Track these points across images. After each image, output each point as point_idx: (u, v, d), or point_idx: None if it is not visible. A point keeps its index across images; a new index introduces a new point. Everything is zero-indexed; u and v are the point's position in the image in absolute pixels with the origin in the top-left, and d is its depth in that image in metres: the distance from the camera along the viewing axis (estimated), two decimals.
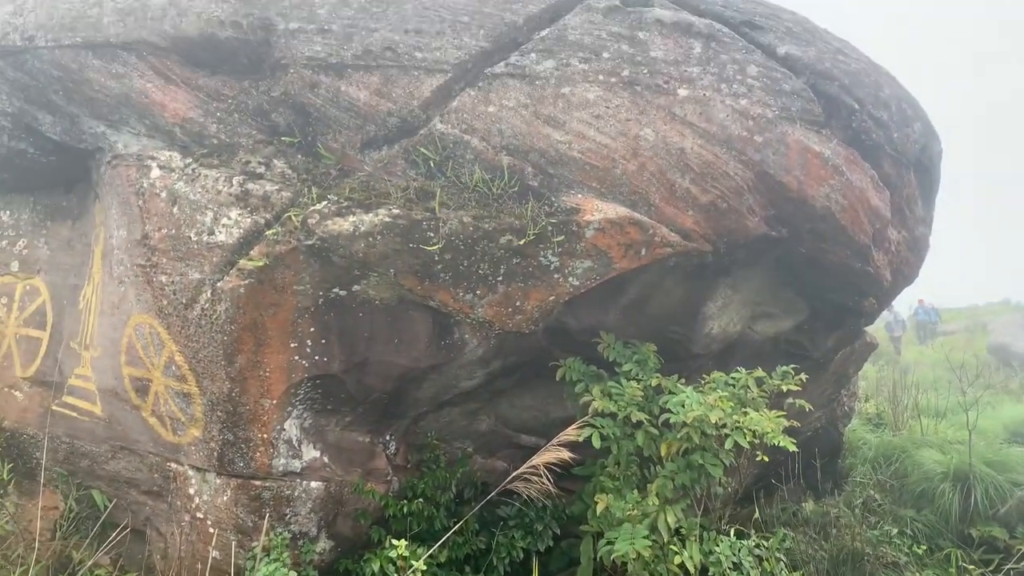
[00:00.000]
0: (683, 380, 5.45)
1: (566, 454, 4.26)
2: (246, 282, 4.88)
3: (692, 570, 4.53)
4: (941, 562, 7.31)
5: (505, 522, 7.06)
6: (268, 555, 5.27)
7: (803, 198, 5.08)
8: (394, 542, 4.67)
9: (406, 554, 4.46)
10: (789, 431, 8.62)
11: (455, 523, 6.74)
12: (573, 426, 4.43)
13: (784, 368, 5.29)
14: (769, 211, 5.18)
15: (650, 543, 4.53)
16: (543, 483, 4.20)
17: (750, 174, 5.00)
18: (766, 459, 4.69)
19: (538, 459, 4.23)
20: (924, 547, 7.29)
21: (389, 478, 6.50)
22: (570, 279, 5.15)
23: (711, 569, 4.59)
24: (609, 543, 4.75)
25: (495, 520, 7.20)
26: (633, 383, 5.22)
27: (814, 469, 9.34)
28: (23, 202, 6.82)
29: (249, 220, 4.91)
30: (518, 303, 5.25)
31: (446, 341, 5.62)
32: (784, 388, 4.97)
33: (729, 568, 4.56)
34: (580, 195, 5.00)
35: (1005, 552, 7.21)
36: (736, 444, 4.52)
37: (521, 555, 6.78)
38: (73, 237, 6.62)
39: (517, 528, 6.92)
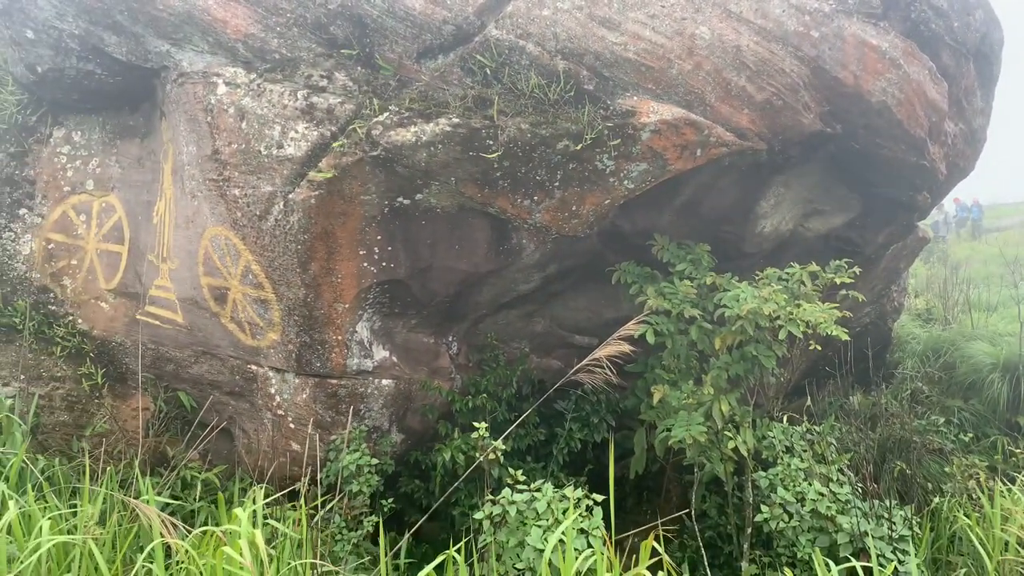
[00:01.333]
0: (736, 278, 5.62)
1: (627, 347, 4.50)
2: (316, 193, 5.13)
3: (745, 453, 4.82)
4: (987, 449, 7.54)
5: (563, 416, 7.46)
6: (349, 446, 5.71)
7: (859, 93, 5.08)
8: (474, 424, 5.03)
9: (486, 435, 4.81)
10: (842, 322, 8.83)
11: (516, 417, 7.16)
12: (632, 322, 4.67)
13: (837, 262, 5.41)
14: (824, 107, 5.20)
15: (705, 429, 4.82)
16: (606, 374, 4.47)
17: (806, 70, 5.01)
18: (819, 348, 4.88)
19: (600, 352, 4.50)
20: (971, 435, 7.51)
21: (452, 376, 6.89)
22: (625, 182, 5.28)
23: (764, 453, 4.88)
24: (667, 430, 5.06)
25: (554, 415, 7.60)
26: (687, 282, 5.41)
27: (864, 363, 9.53)
28: (93, 122, 7.08)
29: (316, 133, 5.10)
30: (574, 207, 5.42)
31: (504, 246, 5.85)
32: (837, 281, 5.11)
33: (782, 451, 4.85)
34: (636, 97, 5.07)
35: None
36: (789, 335, 4.71)
37: (579, 446, 7.20)
38: (142, 155, 6.90)
39: (575, 421, 7.32)
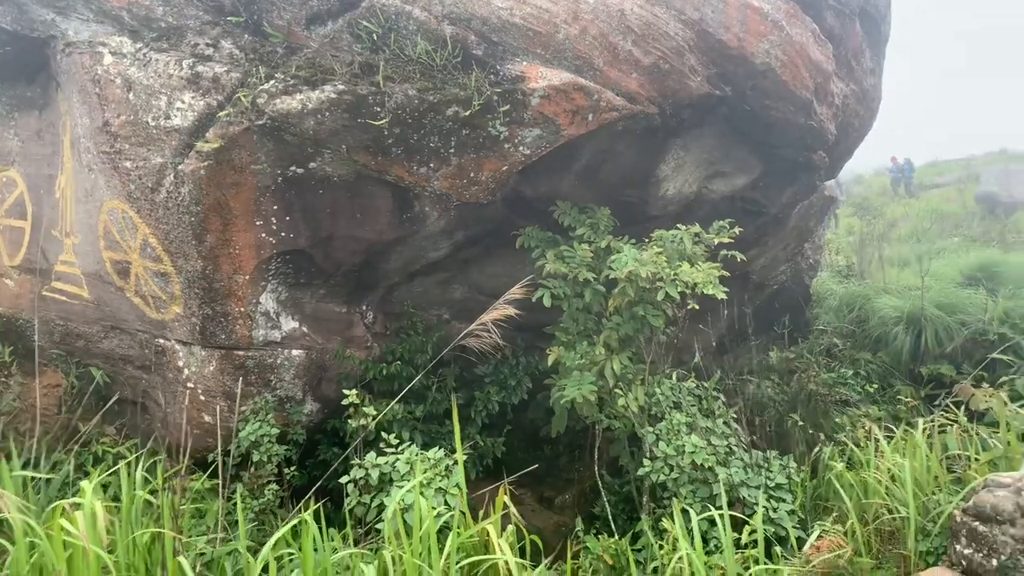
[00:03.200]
0: (633, 241, 5.70)
1: (512, 311, 4.58)
2: (205, 164, 5.06)
3: (636, 410, 4.96)
4: (892, 398, 7.83)
5: (481, 379, 7.56)
6: (255, 416, 5.71)
7: (743, 55, 5.15)
8: (357, 401, 5.05)
9: (356, 400, 4.86)
10: (758, 281, 8.98)
11: (434, 383, 7.23)
12: (517, 286, 4.73)
13: (719, 223, 5.52)
14: (711, 70, 5.27)
15: (596, 388, 4.94)
16: (493, 338, 4.53)
17: (690, 33, 5.05)
18: (696, 307, 5.01)
19: (487, 316, 4.56)
20: (876, 385, 7.79)
21: (369, 344, 6.91)
22: (520, 148, 5.30)
23: (653, 409, 5.02)
24: (560, 390, 5.17)
25: (476, 379, 7.71)
26: (584, 246, 5.48)
27: (782, 320, 9.79)
28: None
29: (202, 103, 5.03)
30: (472, 174, 5.43)
31: (407, 215, 5.85)
32: (716, 240, 5.22)
33: (670, 407, 4.99)
34: (525, 63, 5.08)
35: (950, 387, 7.70)
36: (681, 295, 4.82)
37: (496, 408, 7.31)
38: (42, 128, 6.72)
39: (492, 384, 7.43)
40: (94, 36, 5.43)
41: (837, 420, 5.98)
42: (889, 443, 4.94)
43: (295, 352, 6.24)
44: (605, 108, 5.19)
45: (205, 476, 5.00)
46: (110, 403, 6.66)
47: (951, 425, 5.27)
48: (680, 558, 3.59)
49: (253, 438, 5.26)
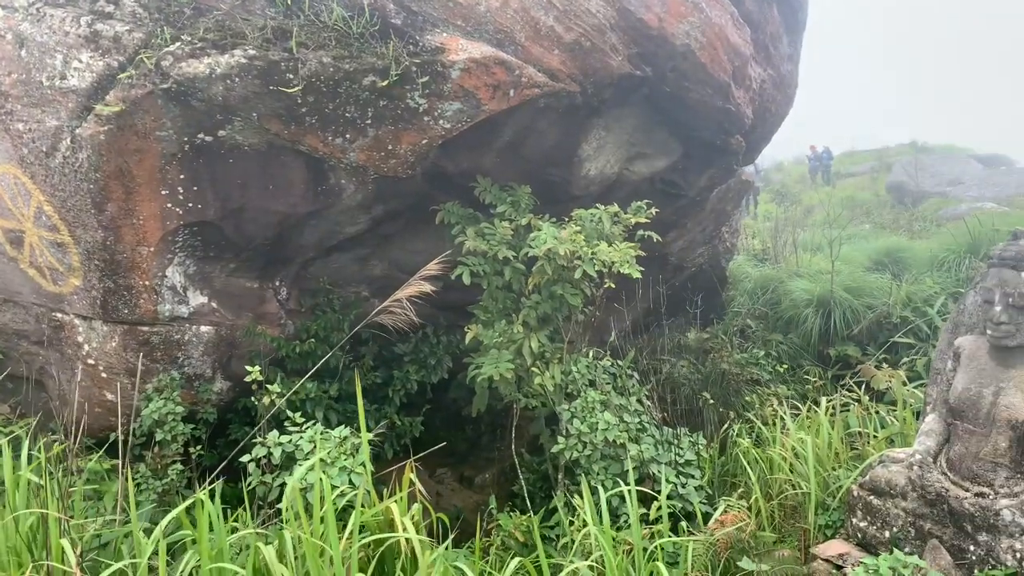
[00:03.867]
0: (556, 220, 5.69)
1: (427, 287, 4.51)
2: (105, 128, 4.80)
3: (552, 388, 4.98)
4: (801, 378, 8.11)
5: (401, 358, 7.47)
6: (159, 394, 5.50)
7: (663, 36, 5.17)
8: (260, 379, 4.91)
9: (279, 389, 4.73)
10: (677, 262, 9.11)
11: (350, 361, 7.11)
12: (433, 263, 4.67)
13: (637, 203, 5.57)
14: (632, 49, 5.28)
15: (513, 366, 4.93)
16: (407, 316, 4.46)
17: (612, 11, 5.04)
18: (612, 286, 5.05)
19: (401, 293, 4.48)
20: (786, 366, 8.04)
21: (283, 321, 6.72)
22: (440, 122, 5.21)
23: (569, 387, 5.05)
24: (477, 367, 5.14)
25: (395, 357, 7.61)
26: (505, 223, 5.44)
27: (699, 301, 10.00)
28: None
29: (101, 63, 4.75)
30: (390, 147, 5.31)
31: (323, 187, 5.69)
32: (633, 220, 5.27)
33: (585, 385, 5.02)
34: (445, 34, 4.97)
35: (856, 368, 8.02)
36: (597, 274, 4.85)
37: (415, 387, 7.24)
38: None
39: (412, 363, 7.35)
40: None
41: (747, 399, 6.15)
42: (795, 421, 5.10)
43: (203, 328, 6.02)
44: (527, 84, 5.14)
45: (99, 456, 4.77)
46: (7, 381, 6.32)
47: (854, 404, 5.47)
48: (586, 534, 3.62)
49: (156, 416, 5.06)
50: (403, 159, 5.42)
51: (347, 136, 5.18)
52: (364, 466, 3.53)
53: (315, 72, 4.71)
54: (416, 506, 3.58)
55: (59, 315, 5.88)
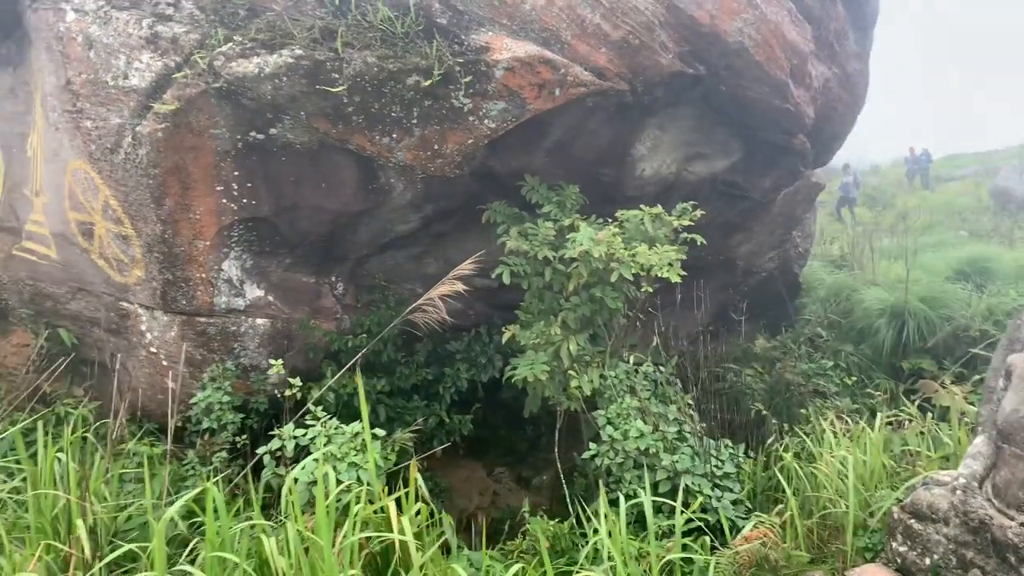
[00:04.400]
0: (604, 221, 5.60)
1: (460, 287, 4.50)
2: (163, 126, 5.00)
3: (588, 392, 4.89)
4: (871, 391, 7.72)
5: (453, 356, 7.51)
6: (212, 383, 5.69)
7: (716, 33, 5.01)
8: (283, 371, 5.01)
9: (281, 371, 4.83)
10: (744, 267, 8.81)
11: (403, 357, 7.19)
12: (467, 262, 4.65)
13: (683, 205, 5.41)
14: (683, 47, 5.13)
15: (548, 368, 4.87)
16: (439, 314, 4.47)
17: (660, 8, 4.92)
18: (650, 290, 4.91)
19: (434, 292, 4.49)
20: (854, 378, 7.67)
21: (339, 316, 6.86)
22: (485, 121, 5.20)
23: (607, 392, 4.95)
24: (514, 368, 5.11)
25: (448, 355, 7.65)
26: (548, 223, 5.39)
27: (774, 308, 9.67)
28: None
29: (160, 63, 4.95)
30: (436, 146, 5.34)
31: (373, 186, 5.77)
32: (676, 223, 5.11)
33: (624, 390, 4.91)
34: (491, 33, 4.96)
35: (933, 381, 7.57)
36: (635, 276, 4.74)
37: (466, 385, 7.26)
38: (15, 85, 6.66)
39: (463, 361, 7.38)
40: None
41: (802, 411, 5.89)
42: (848, 436, 4.86)
43: (259, 320, 6.20)
44: (572, 83, 5.08)
45: (151, 440, 4.96)
46: (76, 364, 6.67)
47: (915, 420, 5.17)
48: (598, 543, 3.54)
49: (204, 405, 5.23)
50: (450, 159, 5.44)
51: (393, 135, 5.23)
52: (372, 463, 3.54)
53: (360, 72, 4.78)
54: (419, 505, 3.58)
55: (125, 304, 6.17)
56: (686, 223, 5.12)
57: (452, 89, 4.96)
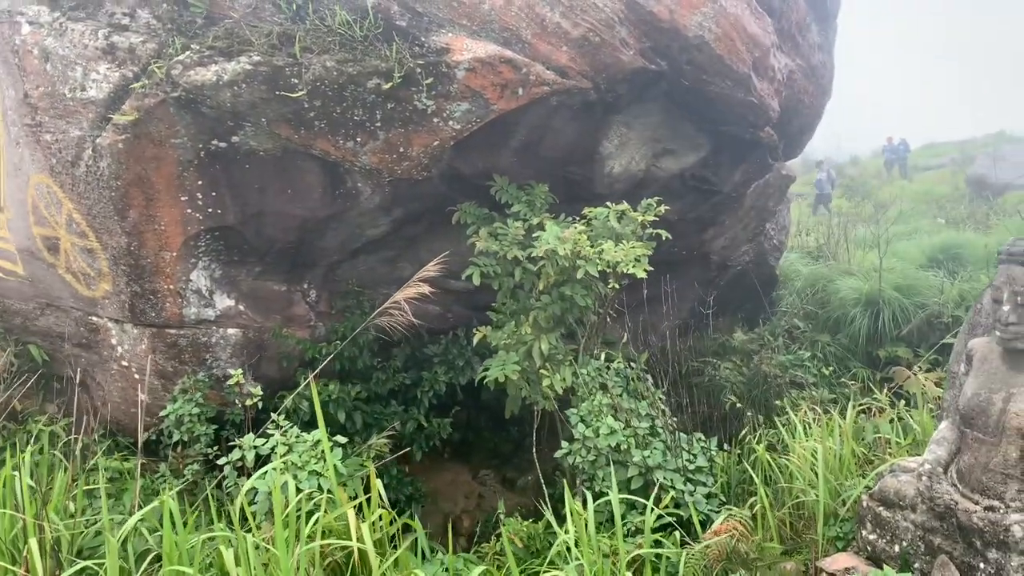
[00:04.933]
0: (574, 219, 5.59)
1: (426, 289, 4.49)
2: (123, 137, 4.95)
3: (559, 391, 4.88)
4: (847, 381, 7.76)
5: (431, 360, 7.48)
6: (183, 395, 5.64)
7: (676, 28, 5.02)
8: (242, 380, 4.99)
9: (242, 380, 4.82)
10: (719, 261, 8.82)
11: (379, 363, 7.15)
12: (432, 264, 4.62)
13: (647, 201, 5.42)
14: (644, 43, 5.14)
15: (519, 368, 4.86)
16: (404, 316, 4.45)
17: (619, 5, 4.92)
18: (617, 286, 4.91)
19: (400, 295, 4.47)
20: (831, 368, 7.71)
21: (312, 323, 6.82)
22: (450, 123, 5.18)
23: (579, 390, 4.94)
24: (486, 369, 5.09)
25: (426, 359, 7.62)
26: (518, 223, 5.38)
27: (747, 301, 9.70)
28: None
29: (117, 74, 4.91)
30: (402, 149, 5.32)
31: (340, 190, 5.74)
32: (640, 219, 5.11)
33: (596, 388, 4.91)
34: (451, 34, 4.95)
35: (908, 368, 7.62)
36: (602, 274, 4.73)
37: (444, 388, 7.22)
38: None
39: (441, 364, 7.35)
40: (12, 5, 5.31)
41: (777, 402, 5.91)
42: (821, 426, 4.87)
43: (231, 331, 6.15)
44: (535, 82, 5.07)
45: (120, 455, 4.91)
46: (48, 380, 6.62)
47: (888, 409, 5.19)
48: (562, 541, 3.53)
49: (174, 417, 5.18)
50: (416, 161, 5.42)
51: (358, 139, 5.20)
52: (331, 470, 3.52)
53: (319, 76, 4.75)
54: (379, 511, 3.56)
55: (94, 318, 6.12)
56: (651, 219, 5.12)
57: (414, 91, 4.94)
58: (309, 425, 6.20)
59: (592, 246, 4.76)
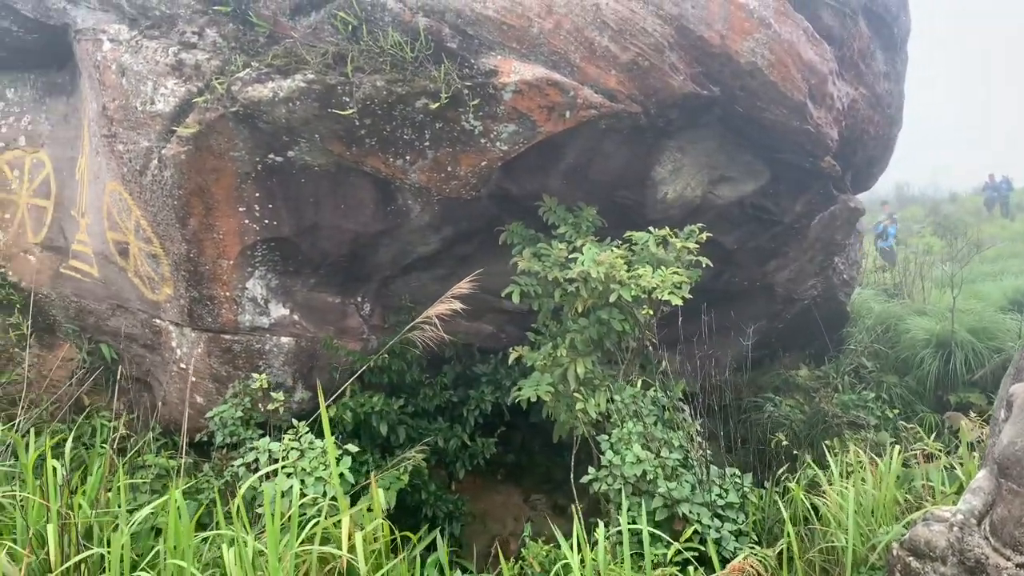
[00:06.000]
0: (616, 243, 5.53)
1: (458, 305, 4.51)
2: (185, 149, 5.20)
3: (594, 415, 4.81)
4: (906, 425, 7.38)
5: (479, 378, 7.51)
6: (234, 399, 5.82)
7: (727, 53, 4.94)
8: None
9: (265, 385, 4.90)
10: (784, 294, 8.54)
11: (428, 379, 7.22)
12: (464, 281, 4.64)
13: (689, 228, 5.30)
14: (695, 68, 5.07)
15: (552, 390, 4.82)
16: (436, 332, 4.48)
17: (669, 29, 4.88)
18: (650, 312, 4.81)
19: (432, 311, 4.51)
20: (897, 411, 7.34)
21: (365, 336, 6.95)
22: (497, 144, 5.24)
23: (613, 416, 4.86)
24: (519, 389, 5.07)
25: (475, 378, 7.66)
26: (561, 245, 5.36)
27: (815, 337, 9.37)
28: (24, 80, 7.26)
29: (183, 89, 5.17)
30: (450, 168, 5.39)
31: (391, 207, 5.86)
32: (678, 245, 5.00)
33: (629, 415, 4.81)
34: (500, 56, 5.01)
35: (979, 416, 7.19)
36: (634, 299, 4.66)
37: (490, 408, 7.22)
38: (68, 112, 7.05)
39: (488, 383, 7.36)
40: (97, 23, 5.67)
41: (826, 443, 5.66)
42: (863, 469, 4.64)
43: (284, 339, 6.33)
44: (583, 105, 5.07)
45: (167, 454, 5.10)
46: (116, 378, 6.94)
47: (942, 455, 4.91)
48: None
49: (219, 419, 5.35)
50: (464, 180, 5.49)
51: (407, 158, 5.31)
52: (339, 479, 3.56)
53: (369, 95, 4.88)
54: (378, 521, 3.57)
55: (158, 321, 6.40)
56: (692, 245, 5.02)
57: (461, 112, 5.01)
58: (352, 436, 6.32)
59: (629, 270, 4.69)
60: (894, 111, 6.37)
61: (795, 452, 5.65)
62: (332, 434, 6.08)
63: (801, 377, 8.97)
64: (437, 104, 4.88)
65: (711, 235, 6.30)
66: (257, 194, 5.55)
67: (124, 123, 5.47)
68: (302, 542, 3.16)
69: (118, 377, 6.94)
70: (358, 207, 5.81)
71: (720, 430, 5.53)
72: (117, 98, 5.47)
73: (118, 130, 5.55)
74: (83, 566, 3.13)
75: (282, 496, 3.38)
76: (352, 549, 3.12)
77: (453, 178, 5.46)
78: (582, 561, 3.58)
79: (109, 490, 4.06)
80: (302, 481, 3.54)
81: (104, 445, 5.04)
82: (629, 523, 4.26)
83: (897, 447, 4.54)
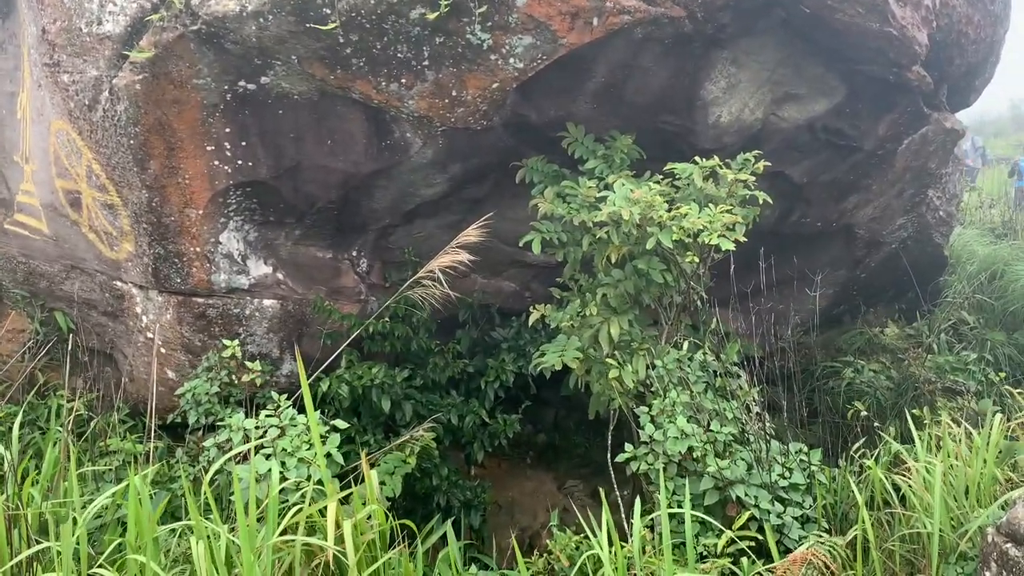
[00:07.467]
0: (657, 178, 5.49)
1: (465, 256, 4.53)
2: (140, 77, 5.23)
3: (631, 384, 4.83)
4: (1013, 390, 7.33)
5: (499, 344, 7.55)
6: (206, 373, 5.93)
7: None
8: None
9: (238, 355, 4.96)
10: (869, 237, 8.43)
11: (437, 346, 7.27)
12: (472, 227, 4.64)
13: (743, 156, 5.23)
14: None
15: (581, 355, 4.84)
16: (443, 289, 4.51)
17: None
18: (696, 260, 4.77)
19: (435, 263, 4.53)
20: (1004, 374, 7.28)
21: (363, 297, 7.02)
22: (511, 60, 5.19)
23: (655, 385, 4.88)
24: (542, 355, 5.11)
25: (494, 344, 7.70)
26: (591, 182, 5.33)
27: (906, 288, 9.27)
28: None
29: (134, 5, 5.18)
30: (455, 92, 5.37)
31: (386, 142, 5.86)
32: (729, 177, 4.93)
33: (673, 383, 4.83)
34: None
35: None
36: (678, 244, 4.64)
37: (512, 379, 7.27)
38: (4, 38, 7.10)
39: (510, 351, 7.41)
40: None
41: (915, 412, 5.63)
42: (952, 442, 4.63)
43: (267, 302, 6.41)
44: (613, 10, 5.00)
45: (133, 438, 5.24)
46: (74, 352, 7.09)
47: None
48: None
49: (191, 396, 5.46)
50: (473, 107, 5.47)
51: (403, 81, 5.29)
52: (324, 459, 3.63)
53: (354, 6, 4.85)
54: (370, 507, 3.64)
55: (119, 283, 6.52)
56: (747, 178, 4.96)
57: (466, 22, 4.97)
58: (351, 414, 6.42)
59: (670, 210, 4.66)
60: (999, 7, 6.18)
61: (877, 425, 5.63)
62: (326, 412, 6.24)
63: (888, 336, 8.92)
64: (436, 14, 4.84)
65: (775, 167, 6.24)
66: (227, 130, 5.58)
67: (68, 48, 5.50)
68: (283, 533, 3.24)
69: (74, 349, 7.10)
70: (347, 142, 5.82)
71: (784, 399, 5.52)
72: (59, 19, 5.50)
73: (61, 57, 5.58)
74: (35, 563, 3.26)
75: (259, 481, 3.46)
76: (340, 540, 3.20)
77: (459, 104, 5.44)
78: (613, 553, 3.62)
79: (68, 479, 4.18)
80: (283, 463, 3.63)
81: (60, 428, 5.17)
82: (675, 508, 4.31)
83: (1000, 416, 4.50)
